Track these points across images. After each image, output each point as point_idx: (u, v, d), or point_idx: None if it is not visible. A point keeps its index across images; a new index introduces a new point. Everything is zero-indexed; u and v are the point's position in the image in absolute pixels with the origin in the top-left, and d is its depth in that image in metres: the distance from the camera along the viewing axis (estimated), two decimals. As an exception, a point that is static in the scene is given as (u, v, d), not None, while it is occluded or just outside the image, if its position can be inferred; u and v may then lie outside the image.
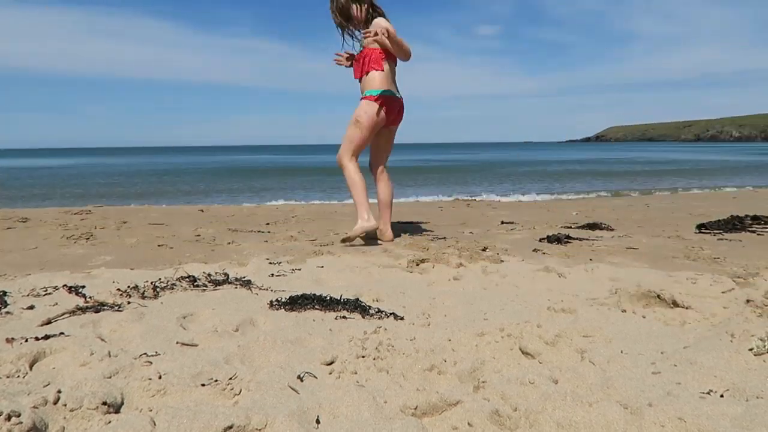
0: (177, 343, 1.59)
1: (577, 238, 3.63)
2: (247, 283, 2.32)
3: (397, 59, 3.60)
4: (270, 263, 2.81)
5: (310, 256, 3.01)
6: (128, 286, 2.19)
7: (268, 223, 4.68)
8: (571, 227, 4.35)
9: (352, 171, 3.49)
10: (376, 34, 3.32)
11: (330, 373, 1.41)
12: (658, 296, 1.98)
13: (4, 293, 2.10)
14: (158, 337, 1.63)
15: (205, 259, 2.97)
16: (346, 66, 3.72)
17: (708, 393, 1.22)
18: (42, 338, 1.56)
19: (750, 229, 4.00)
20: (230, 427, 1.09)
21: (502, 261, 2.85)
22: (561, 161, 29.88)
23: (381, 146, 3.70)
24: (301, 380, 1.35)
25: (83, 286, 2.23)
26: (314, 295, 2.05)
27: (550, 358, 1.49)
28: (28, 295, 2.12)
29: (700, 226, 4.10)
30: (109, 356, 1.46)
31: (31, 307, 1.94)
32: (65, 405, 1.13)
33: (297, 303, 1.98)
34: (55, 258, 3.00)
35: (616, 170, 20.44)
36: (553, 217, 5.31)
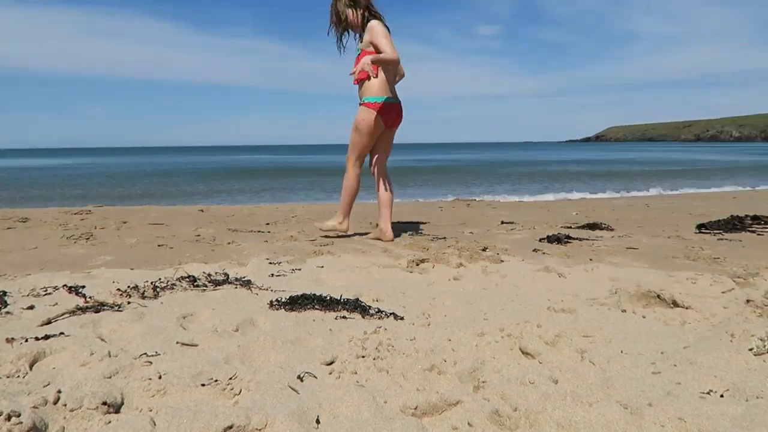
0: (177, 343, 1.59)
1: (577, 238, 3.63)
2: (247, 283, 2.32)
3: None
4: (270, 263, 2.81)
5: (310, 256, 3.01)
6: (128, 286, 2.19)
7: (268, 223, 4.68)
8: (571, 227, 4.35)
9: (350, 177, 3.70)
10: (362, 76, 3.49)
11: (330, 373, 1.41)
12: (658, 296, 1.98)
13: (4, 293, 2.10)
14: (158, 337, 1.63)
15: (205, 259, 2.97)
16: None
17: (708, 393, 1.22)
18: (42, 338, 1.56)
19: (750, 229, 4.00)
20: (230, 427, 1.09)
21: (502, 261, 2.85)
22: (561, 161, 29.87)
23: (380, 147, 3.75)
24: (301, 380, 1.35)
25: (83, 286, 2.23)
26: (314, 295, 2.05)
27: (550, 358, 1.49)
28: (28, 295, 2.12)
29: (700, 226, 4.10)
30: (109, 356, 1.46)
31: (31, 307, 1.95)
32: (65, 405, 1.13)
33: (297, 303, 1.98)
34: (55, 258, 3.00)
35: (616, 170, 20.43)
36: (553, 217, 5.31)
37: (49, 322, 1.77)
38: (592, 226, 4.33)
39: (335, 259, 2.93)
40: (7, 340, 1.55)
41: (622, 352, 1.49)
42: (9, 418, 1.03)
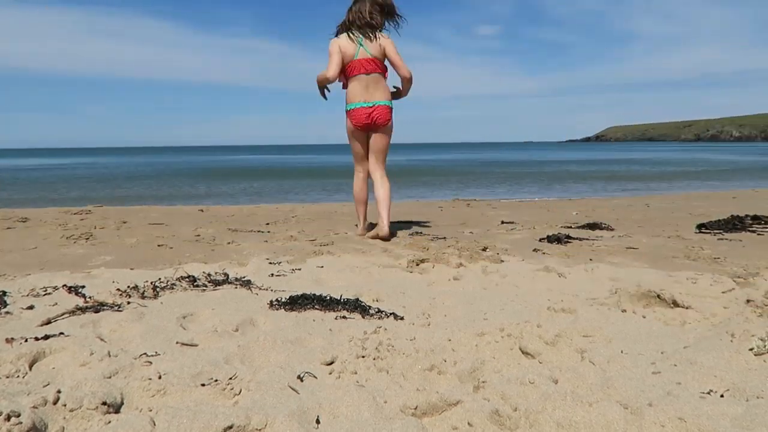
0: (177, 343, 1.59)
1: (577, 238, 3.63)
2: (247, 283, 2.32)
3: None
4: (270, 263, 2.81)
5: (310, 256, 3.01)
6: (128, 286, 2.19)
7: (268, 223, 4.68)
8: (571, 227, 4.35)
9: (354, 184, 4.00)
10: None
11: (330, 373, 1.41)
12: (658, 296, 1.98)
13: (4, 293, 2.10)
14: (158, 337, 1.63)
15: (205, 259, 2.97)
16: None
17: (708, 393, 1.22)
18: (42, 338, 1.56)
19: (750, 229, 4.00)
20: (230, 427, 1.09)
21: (502, 261, 2.85)
22: (561, 161, 29.86)
23: (371, 148, 3.91)
24: (301, 380, 1.34)
25: (83, 286, 2.23)
26: (314, 295, 2.05)
27: (550, 358, 1.49)
28: (28, 295, 2.12)
29: (700, 226, 4.10)
30: (109, 356, 1.46)
31: (31, 307, 1.95)
32: (65, 405, 1.13)
33: (297, 303, 1.98)
34: (55, 258, 3.00)
35: (616, 170, 20.42)
36: (553, 217, 5.31)
37: (48, 322, 1.77)
38: (592, 226, 4.33)
39: (335, 259, 2.93)
40: (7, 340, 1.55)
41: (622, 352, 1.49)
42: (9, 418, 1.03)
